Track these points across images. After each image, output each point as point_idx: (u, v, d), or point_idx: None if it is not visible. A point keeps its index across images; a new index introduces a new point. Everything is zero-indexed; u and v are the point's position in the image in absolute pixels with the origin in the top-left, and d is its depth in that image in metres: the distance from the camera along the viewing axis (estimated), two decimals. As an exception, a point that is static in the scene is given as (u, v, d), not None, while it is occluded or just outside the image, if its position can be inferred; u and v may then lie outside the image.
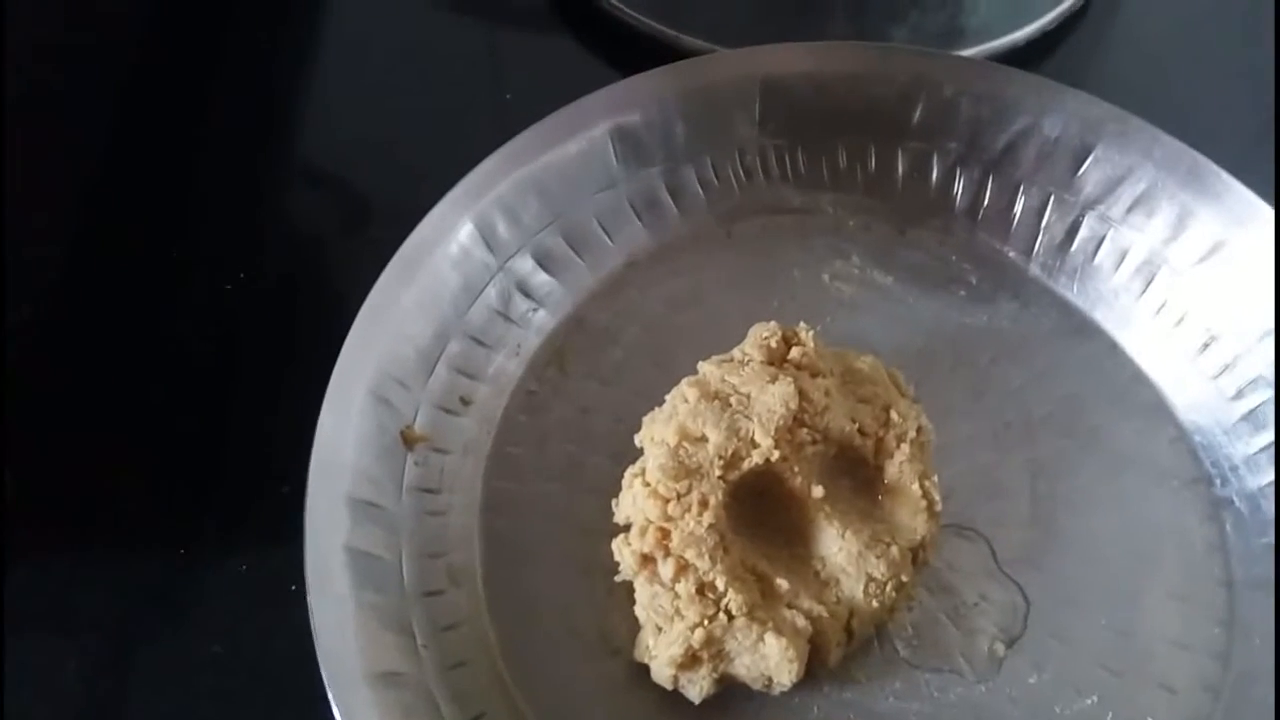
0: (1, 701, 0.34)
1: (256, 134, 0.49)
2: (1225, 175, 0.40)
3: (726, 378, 0.36)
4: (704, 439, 0.34)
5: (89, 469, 0.39)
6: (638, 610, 0.34)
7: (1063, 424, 0.40)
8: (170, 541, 0.38)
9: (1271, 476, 0.38)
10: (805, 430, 0.35)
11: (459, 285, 0.39)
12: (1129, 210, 0.42)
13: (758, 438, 0.34)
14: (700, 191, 0.44)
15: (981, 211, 0.44)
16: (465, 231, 0.39)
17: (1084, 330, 0.42)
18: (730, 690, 0.34)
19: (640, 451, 0.36)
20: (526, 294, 0.41)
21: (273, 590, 0.36)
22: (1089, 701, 0.35)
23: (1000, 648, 0.36)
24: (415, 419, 0.37)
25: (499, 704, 0.34)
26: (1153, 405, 0.41)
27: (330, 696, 0.30)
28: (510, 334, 0.41)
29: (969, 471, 0.39)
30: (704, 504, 0.33)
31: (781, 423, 0.34)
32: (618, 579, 0.35)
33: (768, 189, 0.45)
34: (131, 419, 0.40)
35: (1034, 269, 0.43)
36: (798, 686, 0.34)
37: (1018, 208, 0.43)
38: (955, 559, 0.37)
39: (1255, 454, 0.39)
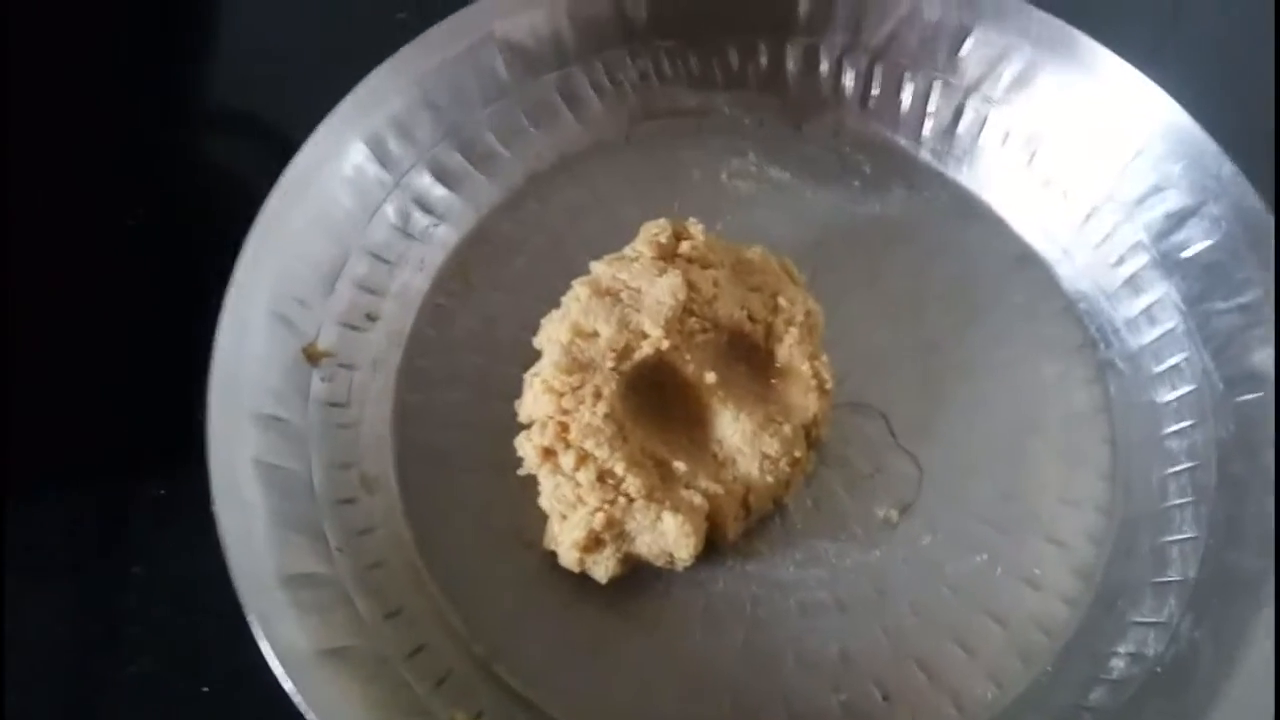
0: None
1: (151, 74, 0.48)
2: (1100, 48, 0.41)
3: (617, 275, 0.36)
4: (596, 334, 0.35)
5: None
6: (542, 501, 0.35)
7: (953, 302, 0.41)
8: (85, 473, 0.38)
9: (1152, 335, 0.40)
10: (695, 320, 0.36)
11: (354, 203, 0.40)
12: (1009, 89, 0.43)
13: (647, 329, 0.35)
14: (596, 98, 0.44)
15: (871, 101, 0.45)
16: (355, 149, 0.39)
17: (973, 211, 0.43)
18: (640, 570, 0.36)
19: (541, 354, 0.37)
20: (426, 209, 0.42)
21: (191, 511, 0.37)
22: (978, 559, 0.37)
23: (894, 514, 0.37)
24: (318, 336, 0.38)
25: (417, 599, 0.35)
26: (1040, 278, 0.42)
27: (241, 600, 0.31)
28: (412, 250, 0.41)
29: (865, 352, 0.40)
30: (598, 395, 0.35)
31: (670, 313, 0.35)
32: (520, 473, 0.36)
33: (662, 92, 0.45)
34: (33, 353, 0.41)
35: (924, 154, 0.44)
36: (702, 562, 0.35)
37: (905, 95, 0.44)
38: (852, 434, 0.39)
39: (1135, 316, 0.40)
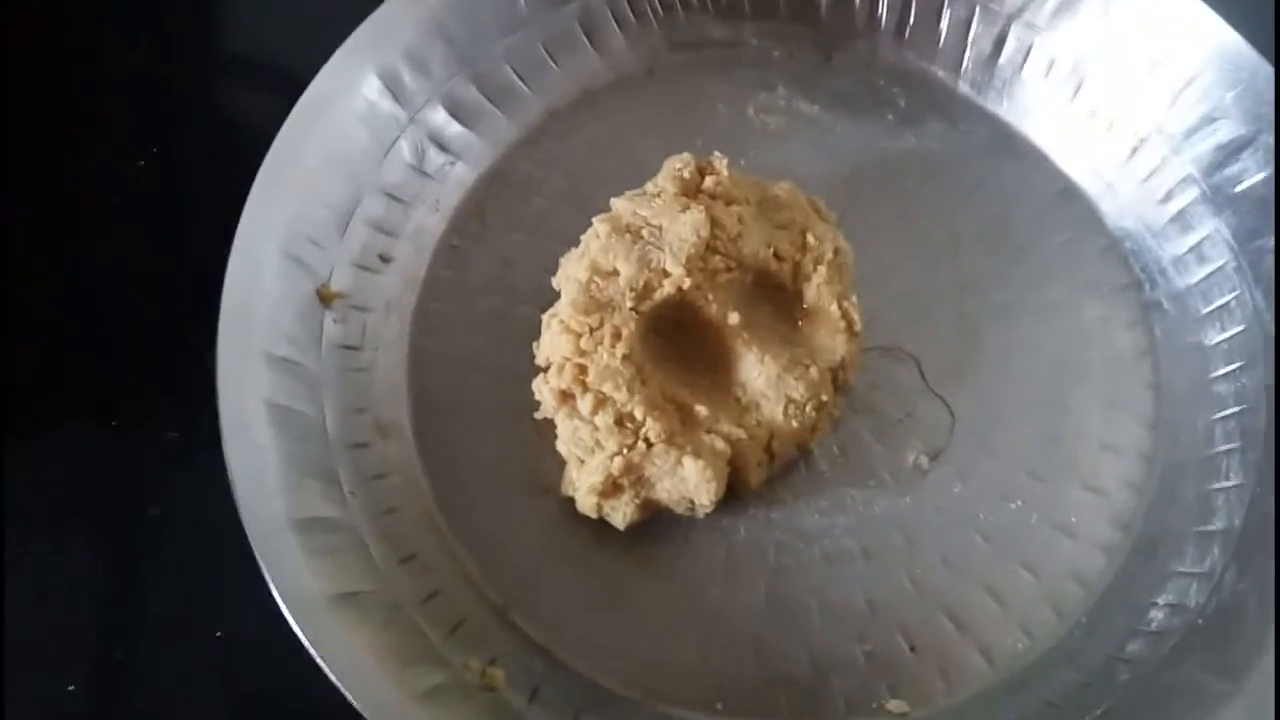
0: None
1: (160, 16, 0.47)
2: (1151, -32, 0.39)
3: (638, 211, 0.35)
4: (615, 273, 0.34)
5: (9, 354, 0.39)
6: (559, 446, 0.34)
7: (991, 241, 0.40)
8: (99, 415, 0.38)
9: (1200, 274, 0.38)
10: (719, 258, 0.35)
11: (368, 139, 0.38)
12: (1054, 14, 0.40)
13: (669, 267, 0.34)
14: (618, 30, 0.43)
15: (908, 30, 0.42)
16: (368, 83, 0.38)
17: (1013, 146, 0.41)
18: (659, 517, 0.35)
19: (560, 295, 0.36)
20: (442, 147, 0.40)
21: (206, 454, 0.36)
22: (1013, 506, 0.35)
23: (925, 460, 0.36)
24: (331, 277, 0.37)
25: (431, 545, 0.34)
26: (1082, 216, 0.40)
27: (251, 542, 0.30)
28: (428, 189, 0.40)
29: (897, 294, 0.39)
30: (617, 336, 0.33)
31: (693, 251, 0.34)
32: (537, 416, 0.35)
33: (687, 23, 0.43)
34: (43, 296, 0.40)
35: (963, 86, 0.42)
36: (724, 509, 0.34)
37: (944, 23, 0.42)
38: (882, 379, 0.37)
39: (1184, 254, 0.38)
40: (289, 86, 0.38)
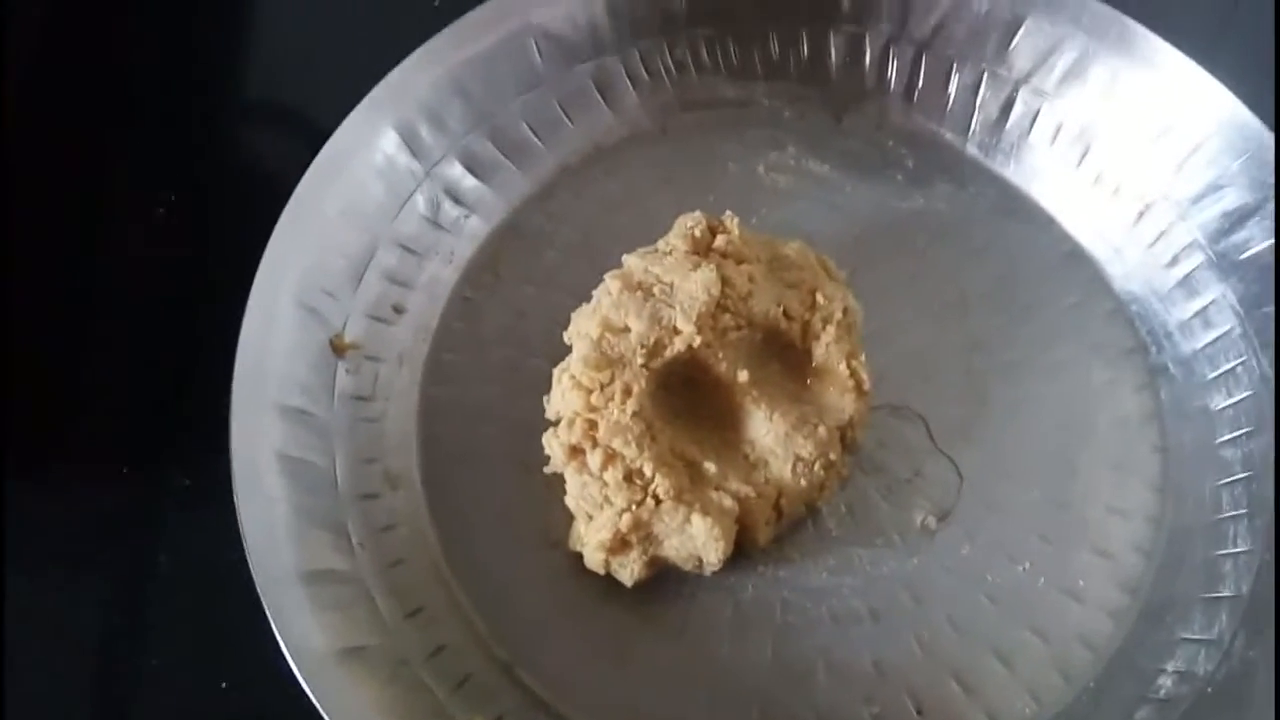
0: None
1: (186, 61, 0.48)
2: (1155, 38, 0.39)
3: (650, 268, 0.35)
4: (627, 329, 0.34)
5: (25, 395, 0.39)
6: (568, 501, 0.34)
7: (999, 301, 0.40)
8: (112, 460, 0.38)
9: (1206, 339, 0.38)
10: (729, 316, 0.35)
11: (384, 192, 0.39)
12: (1061, 81, 0.41)
13: (680, 325, 0.34)
14: (631, 88, 0.43)
15: (916, 93, 0.43)
16: (386, 137, 0.39)
17: (1021, 208, 0.42)
18: (667, 574, 0.35)
19: (571, 349, 0.36)
20: (457, 200, 0.41)
21: (217, 501, 0.36)
22: (1021, 569, 0.35)
23: (932, 521, 0.36)
24: (345, 327, 0.37)
25: (439, 598, 0.34)
26: (1089, 278, 0.40)
27: (260, 594, 0.30)
28: (442, 241, 0.40)
29: (905, 352, 0.39)
30: (628, 392, 0.34)
31: (704, 309, 0.34)
32: (547, 471, 0.35)
33: (700, 82, 0.44)
34: (61, 340, 0.41)
35: (970, 148, 0.43)
36: (732, 567, 0.34)
37: (952, 87, 0.43)
38: (890, 438, 0.38)
39: (1189, 319, 0.39)
40: (312, 134, 0.39)
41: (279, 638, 0.30)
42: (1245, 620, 0.33)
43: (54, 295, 0.41)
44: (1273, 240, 0.37)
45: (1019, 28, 0.41)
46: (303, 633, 0.30)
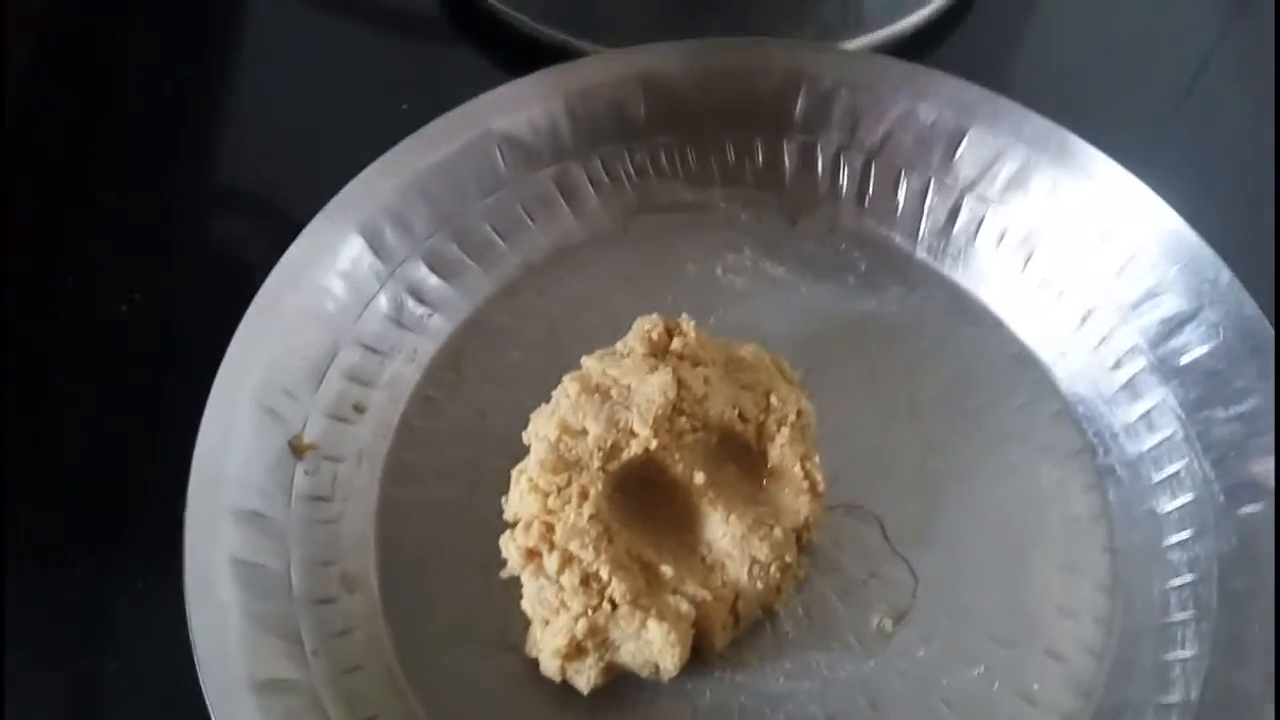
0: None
1: (156, 154, 0.49)
2: (1093, 150, 0.41)
3: (608, 370, 0.36)
4: (584, 432, 0.35)
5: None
6: (524, 605, 0.34)
7: (950, 403, 0.41)
8: (64, 563, 0.38)
9: (1151, 442, 0.39)
10: (685, 419, 0.35)
11: (347, 293, 0.40)
12: (1005, 189, 0.43)
13: (636, 428, 0.35)
14: (593, 192, 0.44)
15: (867, 199, 0.45)
16: (351, 239, 0.40)
17: (970, 310, 0.43)
18: (623, 680, 0.35)
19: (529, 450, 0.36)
20: (420, 299, 0.41)
21: (169, 606, 0.36)
22: (976, 672, 0.36)
23: (888, 624, 0.36)
24: (305, 427, 0.37)
25: (392, 705, 0.34)
26: (1037, 380, 0.41)
27: (209, 704, 0.30)
28: (405, 340, 0.41)
29: (859, 453, 0.40)
30: (584, 495, 0.34)
31: (660, 412, 0.35)
32: (504, 575, 0.35)
33: (660, 186, 0.45)
34: (16, 440, 0.40)
35: (920, 252, 0.44)
36: (689, 672, 0.34)
37: (901, 193, 0.44)
38: (845, 538, 0.38)
39: (1134, 422, 0.40)
40: (280, 229, 0.39)
41: (227, 751, 0.29)
42: (1197, 726, 0.34)
43: (12, 399, 0.41)
44: (1211, 345, 0.38)
45: (963, 138, 0.43)
46: (252, 746, 0.30)
